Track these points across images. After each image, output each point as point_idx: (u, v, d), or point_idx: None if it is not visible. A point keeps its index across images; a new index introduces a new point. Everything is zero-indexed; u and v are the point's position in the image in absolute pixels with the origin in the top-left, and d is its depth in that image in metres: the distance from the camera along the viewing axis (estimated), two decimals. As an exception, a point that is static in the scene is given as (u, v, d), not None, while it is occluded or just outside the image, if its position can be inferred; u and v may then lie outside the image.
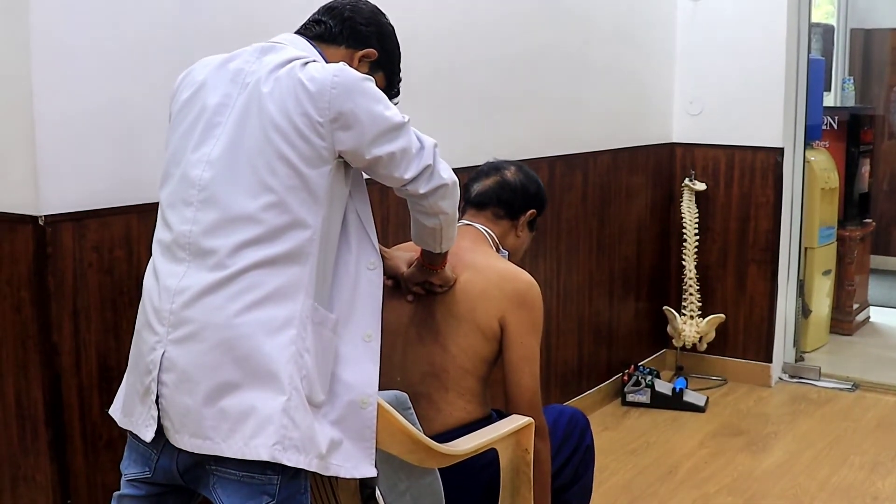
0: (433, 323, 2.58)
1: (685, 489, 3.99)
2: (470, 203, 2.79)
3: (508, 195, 2.76)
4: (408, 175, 2.14)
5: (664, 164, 5.28)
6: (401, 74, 2.41)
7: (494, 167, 2.82)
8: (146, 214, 2.59)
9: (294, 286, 2.03)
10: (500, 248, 2.76)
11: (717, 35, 5.16)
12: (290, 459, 1.98)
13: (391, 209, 3.40)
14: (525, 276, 2.62)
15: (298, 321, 2.02)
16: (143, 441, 2.10)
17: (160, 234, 2.14)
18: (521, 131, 4.16)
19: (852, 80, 7.57)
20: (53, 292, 2.45)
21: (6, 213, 2.48)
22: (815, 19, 6.60)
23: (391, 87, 2.36)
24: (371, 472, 2.12)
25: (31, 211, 2.43)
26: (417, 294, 2.60)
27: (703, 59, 5.21)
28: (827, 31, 7.58)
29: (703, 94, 5.22)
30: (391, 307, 2.58)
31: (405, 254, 2.61)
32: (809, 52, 5.36)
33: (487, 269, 2.60)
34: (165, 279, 2.06)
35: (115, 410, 2.22)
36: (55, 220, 2.44)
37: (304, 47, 2.21)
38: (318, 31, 2.28)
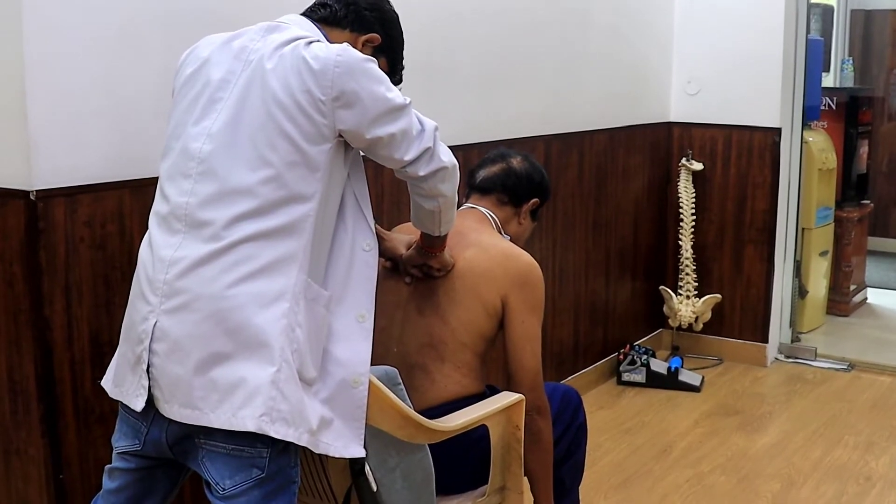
0: (434, 297, 2.60)
1: (679, 468, 4.00)
2: (475, 188, 2.84)
3: (513, 182, 2.81)
4: (407, 157, 2.15)
5: (661, 143, 5.27)
6: (404, 62, 2.43)
7: (501, 155, 2.88)
8: (138, 190, 2.60)
9: (288, 260, 2.03)
10: (503, 232, 2.80)
11: (715, 14, 5.14)
12: (278, 432, 1.98)
13: (385, 187, 3.39)
14: (528, 257, 2.66)
15: (291, 295, 2.03)
16: (134, 413, 2.11)
17: (158, 206, 2.15)
18: (517, 110, 4.15)
19: (851, 61, 7.54)
20: (45, 267, 2.45)
21: (-2, 187, 2.49)
22: (814, 0, 6.58)
23: (394, 74, 2.38)
24: (360, 452, 2.13)
25: (22, 186, 2.43)
26: (415, 277, 2.61)
27: (701, 39, 5.19)
28: (826, 12, 7.55)
29: (700, 73, 5.21)
30: (390, 287, 2.61)
31: (404, 236, 2.63)
32: (808, 32, 5.34)
33: (492, 248, 2.64)
34: (160, 250, 2.07)
35: (106, 381, 2.23)
36: (47, 195, 2.44)
37: (309, 28, 2.23)
38: (323, 14, 2.30)
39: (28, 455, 2.55)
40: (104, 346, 2.56)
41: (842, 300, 6.24)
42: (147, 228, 2.18)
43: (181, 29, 2.65)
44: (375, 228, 2.26)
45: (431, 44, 3.61)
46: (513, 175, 2.82)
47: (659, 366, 4.91)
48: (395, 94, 2.12)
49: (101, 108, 2.54)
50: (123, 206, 2.61)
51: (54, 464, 2.53)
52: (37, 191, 2.42)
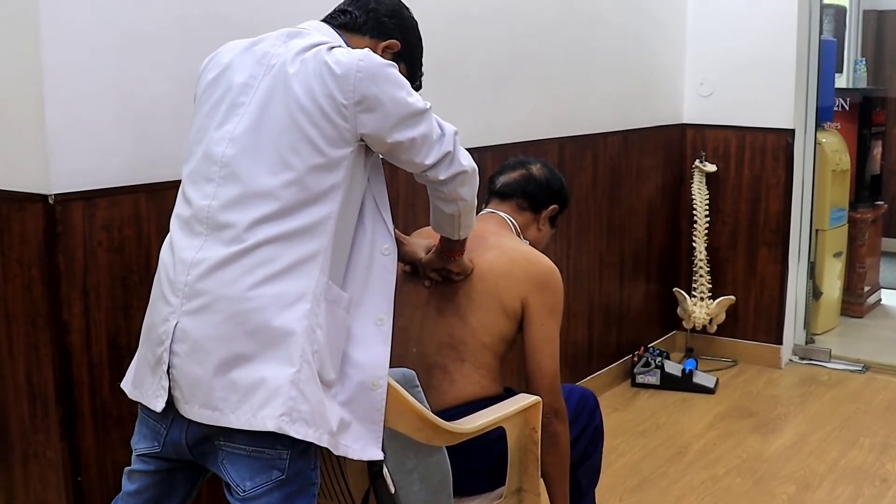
0: (455, 298, 2.62)
1: (694, 470, 3.99)
2: (494, 194, 2.87)
3: (533, 188, 2.85)
4: (428, 161, 2.18)
5: (675, 145, 5.26)
6: (423, 69, 2.44)
7: (521, 162, 2.91)
8: (155, 193, 2.61)
9: (309, 261, 2.04)
10: (522, 237, 2.81)
11: (728, 16, 5.13)
12: (299, 432, 1.99)
13: (401, 189, 3.40)
14: (548, 261, 2.68)
15: (312, 297, 2.04)
16: (153, 415, 2.12)
17: (179, 209, 2.16)
18: (531, 112, 4.15)
19: (864, 62, 7.51)
20: (63, 271, 2.46)
21: (16, 191, 2.49)
22: (827, 0, 6.56)
23: (413, 80, 2.39)
24: (378, 454, 2.14)
25: (41, 190, 2.44)
26: (434, 280, 2.62)
27: (714, 40, 5.18)
28: (839, 13, 7.54)
29: (714, 75, 5.20)
30: (409, 289, 2.62)
31: (423, 240, 2.65)
32: (821, 33, 5.33)
33: (512, 251, 2.66)
34: (182, 252, 2.09)
35: (125, 383, 2.24)
36: (65, 198, 2.45)
37: (330, 34, 2.25)
38: (344, 21, 2.32)
39: (47, 458, 2.56)
40: (122, 350, 2.57)
41: (856, 301, 6.22)
42: (164, 232, 2.19)
43: (197, 34, 2.66)
44: (394, 232, 2.27)
45: (444, 46, 3.61)
46: (532, 181, 2.84)
47: (673, 368, 4.91)
48: (415, 98, 2.14)
49: (117, 112, 2.55)
50: (140, 210, 2.62)
51: (73, 467, 2.54)
52: (55, 195, 2.43)
